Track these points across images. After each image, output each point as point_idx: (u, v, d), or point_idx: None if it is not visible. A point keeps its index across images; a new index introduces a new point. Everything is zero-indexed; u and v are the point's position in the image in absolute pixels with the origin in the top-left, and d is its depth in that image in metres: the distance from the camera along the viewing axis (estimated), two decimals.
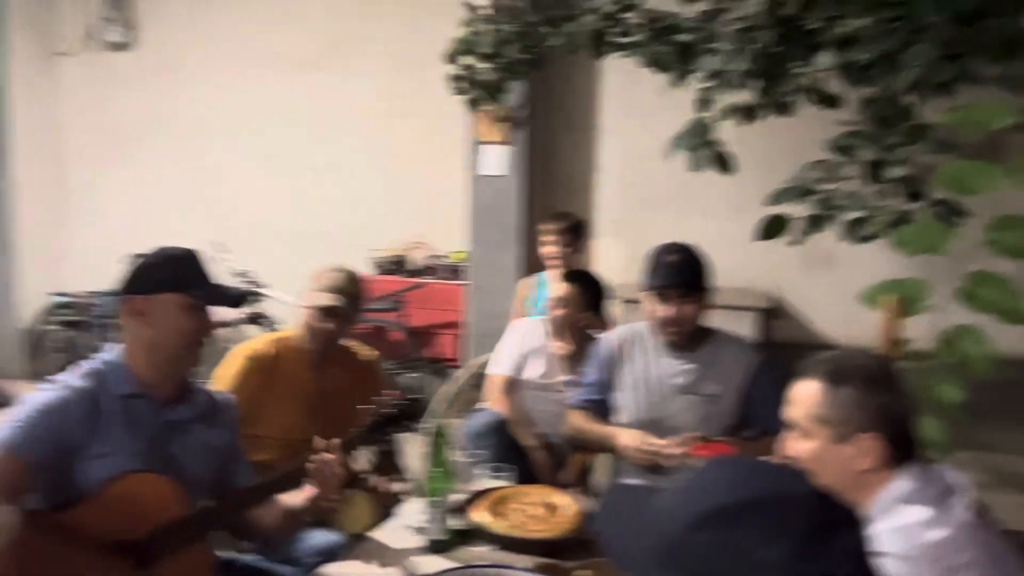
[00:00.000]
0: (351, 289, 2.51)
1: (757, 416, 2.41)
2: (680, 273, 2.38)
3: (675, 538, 0.77)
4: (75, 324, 5.82)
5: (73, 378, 1.79)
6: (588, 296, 3.04)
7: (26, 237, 6.06)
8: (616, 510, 0.88)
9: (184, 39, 5.89)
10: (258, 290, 5.29)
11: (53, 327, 5.95)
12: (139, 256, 1.89)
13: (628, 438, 2.36)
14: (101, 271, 5.87)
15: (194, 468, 1.90)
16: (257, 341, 2.56)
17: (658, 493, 0.84)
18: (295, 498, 1.92)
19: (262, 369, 2.45)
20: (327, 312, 2.47)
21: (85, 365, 1.84)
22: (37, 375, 5.83)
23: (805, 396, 1.43)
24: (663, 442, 2.28)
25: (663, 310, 2.40)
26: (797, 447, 1.44)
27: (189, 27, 5.87)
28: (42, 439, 1.66)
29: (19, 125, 5.94)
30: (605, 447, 2.51)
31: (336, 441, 1.91)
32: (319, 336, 2.49)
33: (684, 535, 0.76)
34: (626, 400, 2.53)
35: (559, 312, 2.97)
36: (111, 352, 1.86)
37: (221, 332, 5.29)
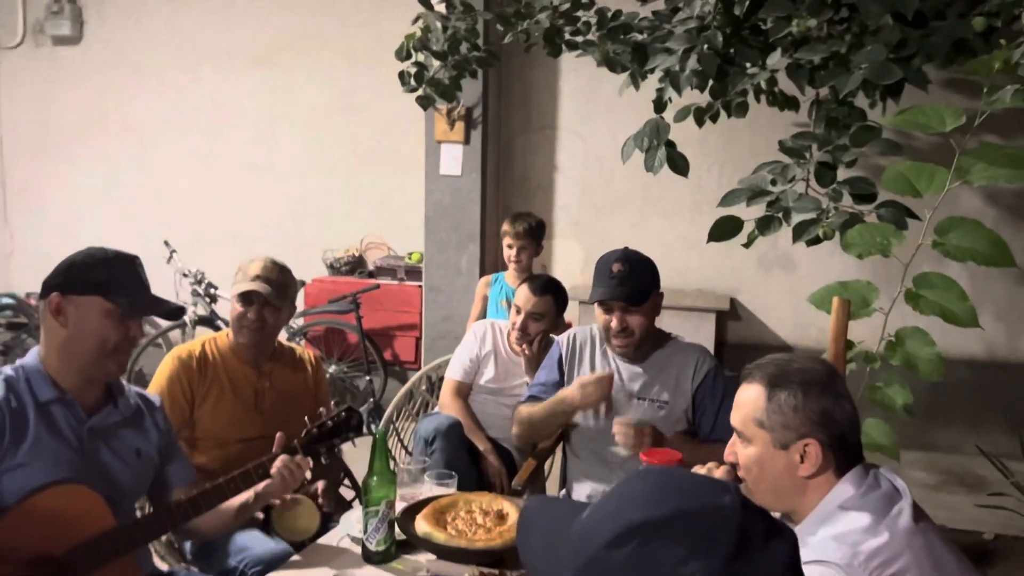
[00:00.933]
0: (275, 277, 2.40)
1: (707, 423, 2.39)
2: (621, 285, 2.34)
3: (595, 554, 0.72)
4: (20, 326, 5.65)
5: None
6: (558, 306, 3.01)
7: None
8: (535, 524, 0.84)
9: (132, 33, 5.74)
10: (211, 291, 5.17)
11: None
12: (72, 254, 1.81)
13: (573, 389, 2.35)
14: (46, 271, 5.74)
15: (126, 475, 1.82)
16: (188, 343, 2.48)
17: (579, 511, 0.80)
18: (240, 496, 1.88)
19: (193, 369, 2.36)
20: (250, 299, 2.36)
21: (1, 372, 1.74)
22: None
23: (745, 401, 1.41)
24: (600, 374, 2.35)
25: (608, 320, 2.39)
26: (740, 453, 1.42)
27: (137, 21, 5.73)
28: None
29: None
30: (557, 420, 2.46)
31: (296, 441, 1.90)
32: (246, 328, 2.38)
33: (604, 551, 0.72)
34: None
35: (537, 326, 2.92)
36: (29, 356, 1.78)
37: (173, 335, 5.17)
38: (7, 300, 5.73)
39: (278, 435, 1.95)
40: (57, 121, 5.95)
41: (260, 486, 1.88)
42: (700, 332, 4.59)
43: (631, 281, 2.35)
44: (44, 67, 5.92)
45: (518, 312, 2.94)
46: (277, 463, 1.86)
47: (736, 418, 1.43)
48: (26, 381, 1.73)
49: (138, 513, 2.03)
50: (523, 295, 2.94)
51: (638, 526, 0.71)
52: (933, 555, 1.27)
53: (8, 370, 1.74)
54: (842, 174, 2.37)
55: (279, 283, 2.39)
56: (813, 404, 1.34)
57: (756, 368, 1.43)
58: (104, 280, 1.74)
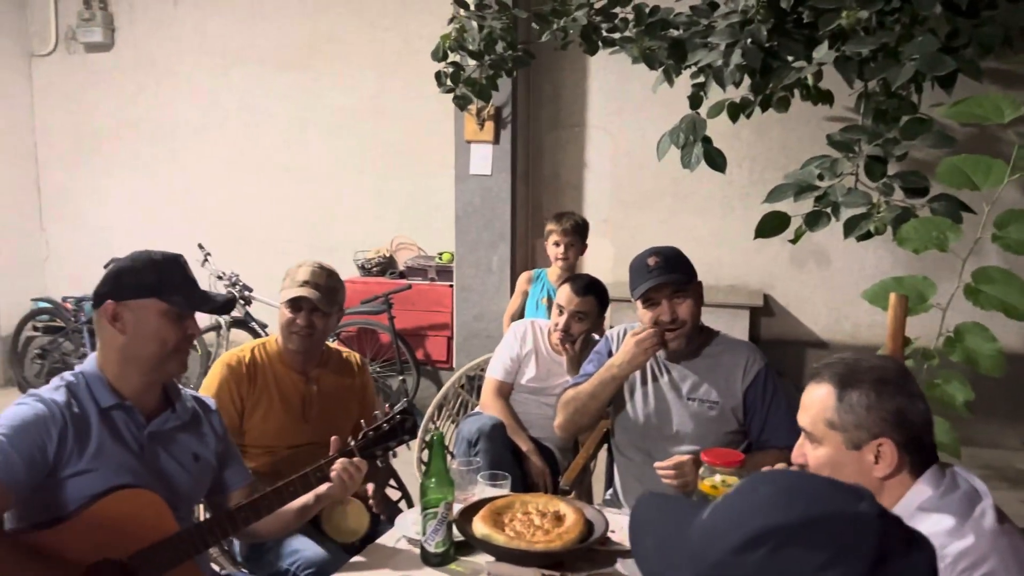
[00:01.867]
0: (323, 282, 2.38)
1: (757, 424, 2.36)
2: (662, 271, 2.32)
3: (720, 559, 0.70)
4: (56, 330, 5.72)
5: (49, 392, 1.71)
6: (600, 305, 2.99)
7: (3, 242, 5.94)
8: (649, 523, 0.82)
9: (162, 39, 5.79)
10: (245, 294, 5.21)
11: (34, 333, 5.84)
12: (118, 260, 1.82)
13: (621, 353, 2.33)
14: (81, 276, 5.80)
15: (184, 479, 1.83)
16: (238, 349, 2.48)
17: (696, 511, 0.78)
18: (300, 499, 1.90)
19: (242, 376, 2.36)
20: (299, 306, 2.36)
21: (62, 378, 1.75)
22: (18, 382, 5.72)
23: (815, 401, 1.38)
24: (649, 328, 2.30)
25: (656, 313, 2.34)
26: (810, 454, 1.39)
27: (167, 27, 5.78)
28: (15, 458, 1.58)
29: None
30: (605, 390, 2.39)
31: (344, 451, 1.91)
32: (295, 334, 2.37)
33: (732, 556, 0.70)
34: (623, 403, 2.48)
35: (580, 326, 2.90)
36: (87, 363, 1.79)
37: (208, 337, 5.21)
38: (44, 304, 5.80)
39: (333, 439, 1.95)
40: (90, 127, 6.02)
41: (321, 489, 1.88)
42: (734, 329, 4.55)
43: (671, 268, 2.33)
44: (77, 74, 5.98)
45: (561, 312, 2.92)
46: (336, 466, 1.87)
47: (805, 419, 1.41)
48: (87, 387, 1.73)
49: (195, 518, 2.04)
50: (566, 295, 2.93)
51: (770, 531, 0.69)
52: (1019, 557, 1.24)
53: (69, 376, 1.75)
54: (892, 168, 2.34)
55: (327, 288, 2.38)
56: (887, 403, 1.32)
57: (824, 367, 1.41)
58: (156, 282, 1.74)
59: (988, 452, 4.46)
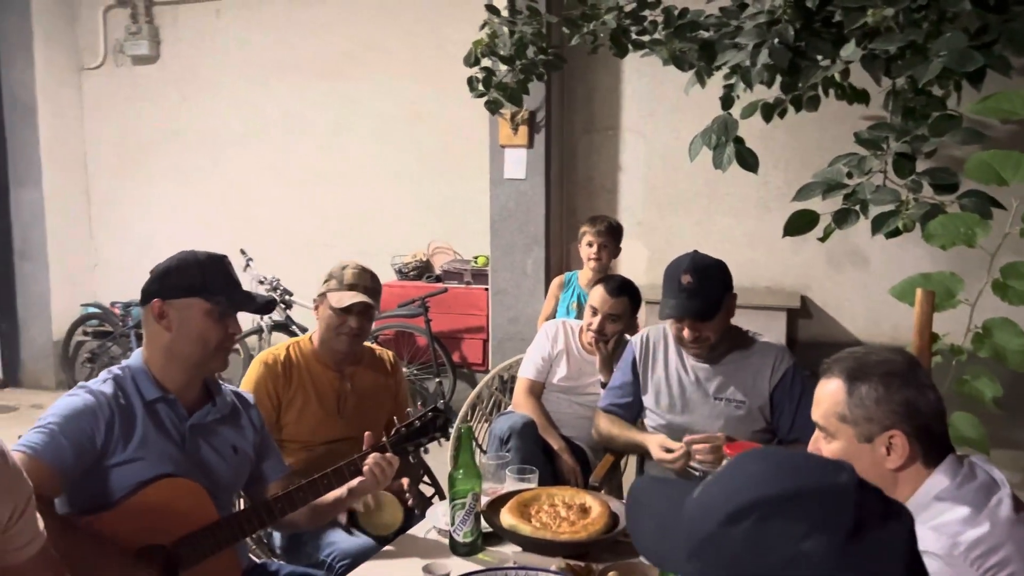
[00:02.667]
0: (370, 285, 2.47)
1: (785, 422, 2.37)
2: (691, 298, 2.32)
3: (711, 531, 0.74)
4: (105, 334, 5.90)
5: (97, 384, 1.80)
6: (633, 306, 3.02)
7: (55, 249, 6.15)
8: (645, 505, 0.86)
9: (205, 51, 5.96)
10: (286, 298, 5.33)
11: (84, 338, 6.03)
12: (165, 260, 1.89)
13: (653, 447, 2.34)
14: (128, 282, 5.98)
15: (224, 470, 1.91)
16: (274, 347, 2.56)
17: (688, 491, 0.82)
18: (335, 492, 1.95)
19: (279, 374, 2.44)
20: (353, 311, 2.43)
21: (109, 371, 1.84)
22: (69, 385, 5.92)
23: (826, 395, 1.40)
24: (679, 445, 2.26)
25: (679, 329, 2.39)
26: (824, 449, 1.41)
27: (210, 39, 5.94)
28: (65, 445, 1.67)
29: (45, 139, 6.04)
30: (633, 452, 2.51)
31: (377, 446, 1.96)
32: (345, 336, 2.45)
33: (721, 528, 0.73)
34: (652, 404, 2.51)
35: (613, 327, 2.93)
36: (133, 358, 1.87)
37: (250, 340, 5.34)
38: (93, 310, 5.99)
39: (367, 434, 2.01)
40: (136, 137, 6.21)
41: (354, 482, 1.94)
42: (771, 330, 4.52)
43: (701, 294, 2.33)
44: (124, 86, 6.18)
45: (594, 313, 2.95)
46: (369, 461, 1.92)
47: (817, 413, 1.43)
48: (132, 381, 1.82)
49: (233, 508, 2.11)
50: (599, 296, 2.95)
51: (755, 503, 0.72)
52: None
53: (116, 370, 1.84)
54: (920, 165, 2.33)
55: (374, 291, 2.48)
56: (895, 395, 1.33)
57: (834, 363, 1.42)
58: (200, 282, 1.81)
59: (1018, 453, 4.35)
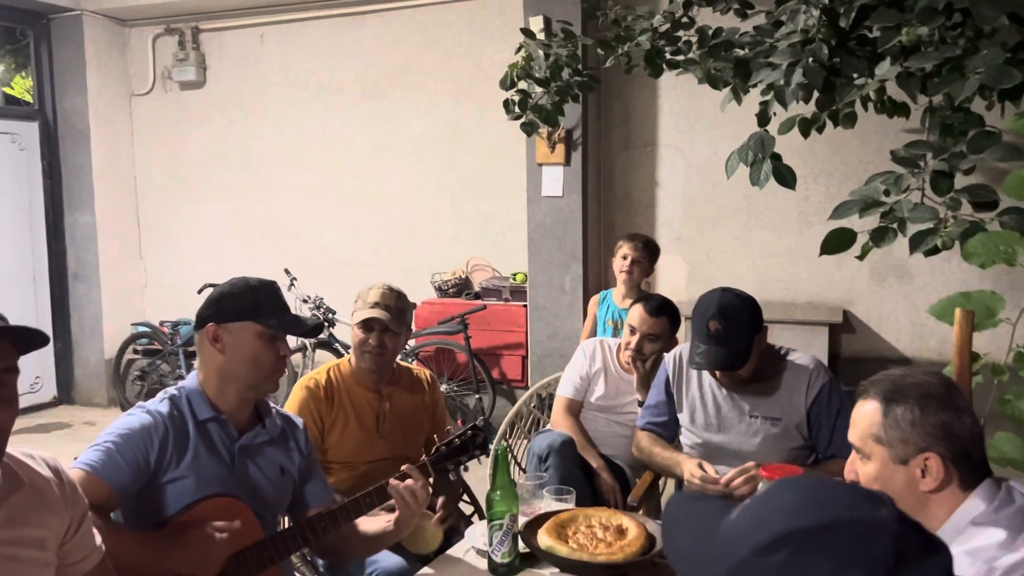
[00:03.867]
0: (393, 303, 2.51)
1: (823, 438, 2.36)
2: (720, 345, 2.31)
3: (744, 559, 0.75)
4: (155, 352, 6.06)
5: (154, 404, 1.88)
6: (672, 326, 3.02)
7: (107, 270, 6.35)
8: (681, 523, 0.87)
9: (249, 76, 6.12)
10: (329, 316, 5.42)
11: (134, 356, 6.20)
12: (218, 285, 1.97)
13: (687, 470, 2.35)
14: (176, 301, 6.14)
15: (270, 490, 1.96)
16: (314, 372, 2.62)
17: (725, 511, 0.83)
18: (378, 522, 1.97)
19: (320, 397, 2.50)
20: (370, 326, 2.49)
21: (166, 392, 1.92)
22: (120, 402, 6.08)
23: (862, 417, 1.41)
24: (716, 477, 2.26)
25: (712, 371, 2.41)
26: (860, 470, 1.41)
27: (254, 64, 6.10)
28: (121, 463, 1.74)
29: (98, 164, 6.25)
30: (670, 473, 2.51)
31: (417, 465, 1.96)
32: (368, 353, 2.50)
33: (754, 557, 0.74)
34: (687, 422, 2.52)
35: (652, 347, 2.93)
36: (190, 379, 1.94)
37: (294, 359, 5.44)
38: (143, 329, 6.16)
39: (405, 466, 1.98)
40: (183, 160, 6.39)
41: (391, 516, 1.95)
42: (813, 346, 4.49)
43: (729, 342, 2.32)
44: (172, 111, 6.37)
45: (632, 332, 2.95)
46: (397, 487, 1.91)
47: (853, 435, 1.43)
48: (187, 401, 1.89)
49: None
50: (638, 316, 2.95)
51: (790, 535, 0.73)
52: None
53: (172, 390, 1.92)
54: (959, 182, 2.31)
55: (397, 309, 2.50)
56: (931, 418, 1.33)
57: (871, 384, 1.43)
58: (252, 306, 1.88)
59: None
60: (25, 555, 1.22)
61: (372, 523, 2.00)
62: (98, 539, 1.38)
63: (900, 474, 1.35)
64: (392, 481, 1.91)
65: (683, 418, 2.55)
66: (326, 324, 5.41)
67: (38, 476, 1.28)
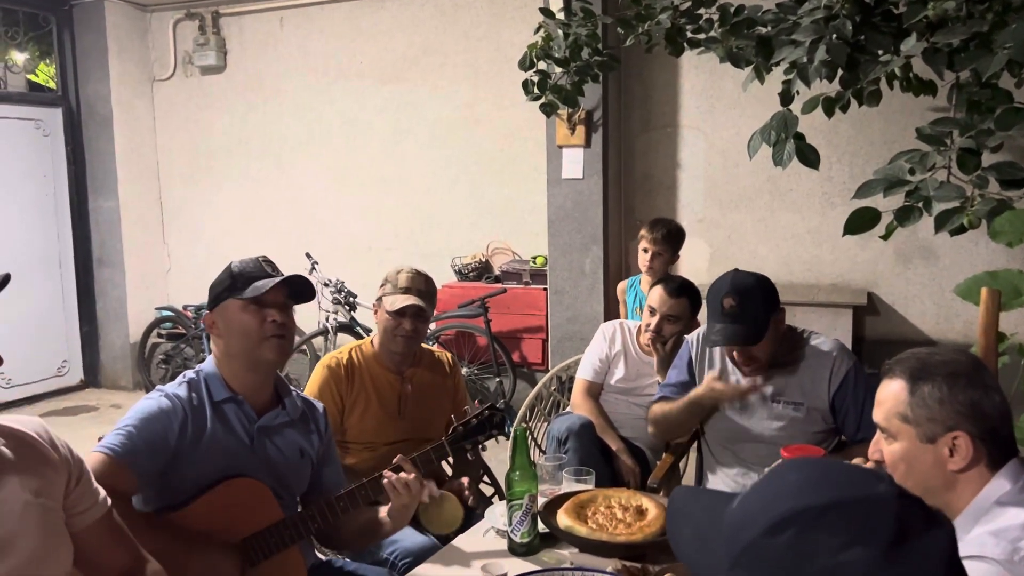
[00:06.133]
0: (424, 288, 2.52)
1: (851, 424, 2.33)
2: (735, 322, 2.30)
3: (751, 542, 0.75)
4: (179, 336, 6.12)
5: (172, 387, 1.90)
6: (693, 307, 3.00)
7: (131, 255, 6.41)
8: (685, 515, 0.88)
9: (269, 60, 6.12)
10: (349, 300, 5.45)
11: (159, 340, 6.27)
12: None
13: (707, 386, 2.37)
14: (200, 285, 6.19)
15: (290, 471, 1.97)
16: (336, 351, 2.63)
17: (728, 500, 0.83)
18: (381, 510, 1.97)
19: (341, 377, 2.51)
20: (407, 313, 2.49)
21: (184, 375, 1.94)
22: (145, 386, 6.16)
23: (888, 396, 1.39)
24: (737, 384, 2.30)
25: (730, 351, 2.38)
26: (885, 450, 1.40)
27: (274, 49, 6.10)
28: (141, 446, 1.76)
29: (121, 149, 6.30)
30: (692, 417, 2.49)
31: (411, 458, 1.95)
32: (400, 338, 2.51)
33: (763, 538, 0.75)
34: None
35: (672, 328, 2.90)
36: (208, 362, 1.96)
37: (316, 342, 5.48)
38: (167, 313, 6.23)
39: (398, 456, 1.98)
40: (205, 145, 6.42)
41: (383, 509, 1.94)
42: (836, 328, 4.45)
43: (744, 318, 2.30)
44: (193, 96, 6.40)
45: (652, 313, 2.94)
46: (388, 478, 1.90)
47: (879, 414, 1.41)
48: (204, 383, 1.91)
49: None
50: (658, 297, 2.93)
51: (796, 514, 0.73)
52: None
53: (190, 374, 1.94)
54: (986, 159, 2.27)
55: (428, 294, 2.52)
56: (960, 396, 1.31)
57: (896, 363, 1.41)
58: (230, 284, 1.89)
59: None
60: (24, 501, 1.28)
61: (368, 513, 1.98)
62: (102, 493, 1.42)
63: (928, 453, 1.33)
64: (386, 472, 1.90)
65: None
66: (347, 307, 5.43)
67: (19, 433, 1.33)
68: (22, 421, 1.36)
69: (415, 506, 1.93)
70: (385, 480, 1.89)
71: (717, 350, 2.52)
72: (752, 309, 2.31)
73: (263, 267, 1.92)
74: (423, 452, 2.01)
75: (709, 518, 0.82)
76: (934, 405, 1.32)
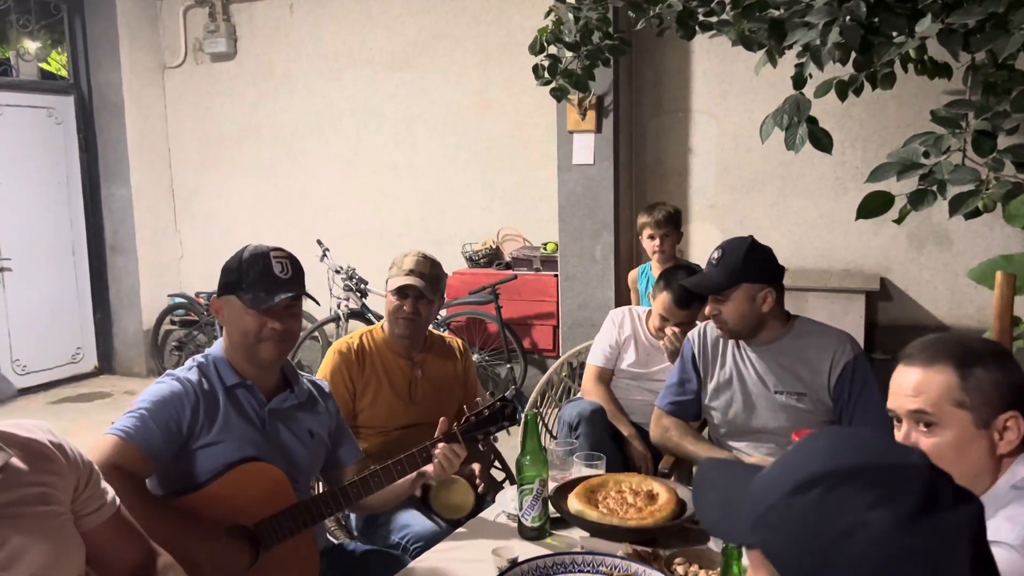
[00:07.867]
0: (427, 271, 2.52)
1: (846, 417, 2.31)
2: (711, 267, 2.32)
3: (777, 501, 0.75)
4: (191, 323, 6.16)
5: (183, 372, 1.91)
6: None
7: (144, 242, 6.44)
8: (711, 482, 0.87)
9: (280, 47, 6.12)
10: (360, 287, 5.46)
11: (171, 327, 6.31)
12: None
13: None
14: (212, 273, 6.21)
15: (302, 454, 1.99)
16: (348, 336, 2.64)
17: (757, 470, 0.83)
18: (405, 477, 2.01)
19: (352, 362, 2.52)
20: (405, 293, 2.50)
21: (193, 360, 1.95)
22: (158, 372, 6.20)
23: (934, 383, 1.33)
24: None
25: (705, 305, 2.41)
26: (922, 440, 1.34)
27: (284, 35, 6.10)
28: (154, 429, 1.78)
29: (132, 137, 6.32)
30: (694, 460, 2.48)
31: (456, 427, 2.01)
32: (402, 319, 2.51)
33: (787, 498, 0.74)
34: (713, 400, 2.49)
35: (683, 329, 2.88)
36: (215, 347, 1.98)
37: (328, 328, 5.49)
38: (179, 300, 6.26)
39: (441, 420, 2.06)
40: (216, 132, 6.43)
41: (424, 468, 2.00)
42: (849, 314, 4.42)
43: (717, 270, 2.32)
44: (204, 83, 6.40)
45: (664, 320, 2.92)
46: (438, 449, 1.98)
47: (924, 402, 1.33)
48: (215, 368, 1.92)
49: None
50: (667, 306, 2.90)
51: (822, 475, 0.73)
52: None
53: (199, 358, 1.95)
54: (1002, 142, 2.24)
55: (431, 277, 2.51)
56: (1011, 376, 1.29)
57: (922, 350, 1.35)
58: (236, 279, 1.88)
59: None
60: (31, 512, 1.27)
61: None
62: (111, 493, 1.43)
63: (981, 439, 1.30)
64: (440, 445, 1.97)
65: (709, 396, 2.51)
66: (357, 293, 5.44)
67: (24, 439, 1.32)
68: (30, 428, 1.35)
69: (449, 473, 2.01)
70: (437, 450, 1.96)
71: (721, 345, 2.49)
72: (729, 264, 2.32)
73: (271, 270, 1.86)
74: (435, 441, 2.01)
75: (735, 484, 0.82)
76: (989, 388, 1.29)
